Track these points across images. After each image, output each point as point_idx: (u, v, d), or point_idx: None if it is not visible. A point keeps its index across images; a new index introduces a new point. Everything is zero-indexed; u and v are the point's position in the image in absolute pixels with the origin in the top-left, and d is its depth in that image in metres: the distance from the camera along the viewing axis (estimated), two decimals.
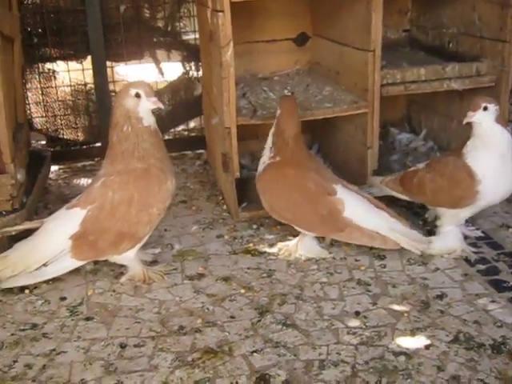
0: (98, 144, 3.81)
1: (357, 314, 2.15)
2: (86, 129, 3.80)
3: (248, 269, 2.48)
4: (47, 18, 3.52)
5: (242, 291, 2.31)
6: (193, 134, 4.01)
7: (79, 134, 3.80)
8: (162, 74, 3.84)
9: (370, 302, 2.22)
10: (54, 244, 2.25)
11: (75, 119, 3.76)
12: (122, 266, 2.47)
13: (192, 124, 4.07)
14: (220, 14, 2.59)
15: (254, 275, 2.43)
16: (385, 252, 2.54)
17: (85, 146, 3.81)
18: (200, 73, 3.81)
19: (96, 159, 3.78)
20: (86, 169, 3.74)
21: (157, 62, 3.80)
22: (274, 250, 2.63)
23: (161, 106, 2.27)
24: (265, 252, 2.61)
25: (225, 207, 3.07)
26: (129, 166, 2.26)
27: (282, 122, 2.54)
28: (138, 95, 2.22)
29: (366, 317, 2.13)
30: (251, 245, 2.67)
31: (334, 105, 2.90)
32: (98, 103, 3.70)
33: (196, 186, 3.37)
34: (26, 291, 2.35)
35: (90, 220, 2.24)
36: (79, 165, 3.79)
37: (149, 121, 2.27)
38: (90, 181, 3.38)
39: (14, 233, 2.36)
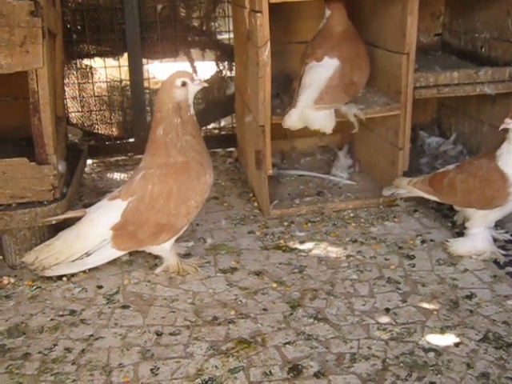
0: (131, 139, 3.89)
1: (387, 310, 2.18)
2: (120, 124, 3.88)
3: (279, 264, 2.53)
4: (86, 16, 3.60)
5: (274, 285, 2.36)
6: (223, 133, 4.06)
7: (113, 130, 3.88)
8: (195, 72, 3.89)
9: (399, 299, 2.25)
10: (96, 234, 2.32)
11: (110, 115, 3.84)
12: (156, 257, 2.53)
13: (223, 122, 4.12)
14: (258, 14, 2.65)
15: (285, 270, 2.48)
16: (414, 252, 2.58)
17: (118, 141, 3.89)
18: (233, 72, 3.87)
19: (129, 154, 3.87)
20: (119, 163, 3.82)
21: (191, 60, 3.87)
22: (304, 246, 2.67)
23: (205, 84, 2.39)
24: (296, 248, 2.66)
25: (256, 204, 3.12)
26: (169, 159, 2.32)
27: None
28: (184, 84, 2.28)
29: (395, 314, 2.17)
30: (282, 241, 2.72)
31: (366, 106, 2.94)
32: (133, 99, 3.78)
33: (227, 183, 3.43)
34: (64, 279, 2.42)
35: (130, 211, 2.31)
36: (112, 159, 3.87)
37: (192, 109, 2.35)
38: (122, 175, 3.51)
39: (54, 222, 2.43)
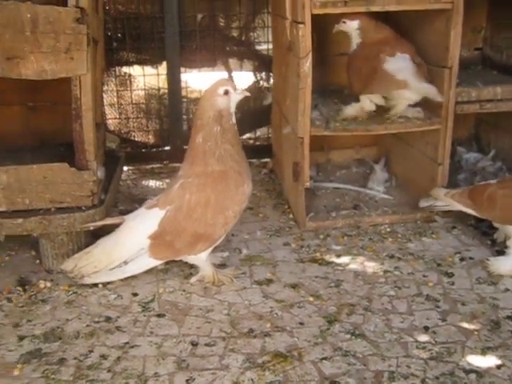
0: (167, 147, 3.91)
1: (426, 329, 2.14)
2: (157, 132, 3.89)
3: (315, 277, 2.50)
4: (127, 24, 3.63)
5: (310, 299, 2.33)
6: (259, 143, 4.05)
7: (150, 137, 3.90)
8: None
9: (439, 317, 2.21)
10: (134, 242, 2.33)
11: (147, 122, 3.86)
12: (191, 266, 2.52)
13: (258, 132, 4.11)
14: (301, 25, 2.64)
15: (321, 284, 2.45)
16: (453, 269, 2.53)
17: (154, 149, 3.91)
18: (270, 83, 3.86)
19: (164, 162, 3.88)
20: (155, 171, 3.83)
21: (229, 70, 3.87)
22: (341, 260, 2.64)
23: (248, 94, 2.38)
24: (332, 262, 2.63)
25: (291, 216, 3.10)
26: (207, 167, 2.31)
27: None
28: (226, 92, 2.28)
29: (435, 332, 2.12)
30: (318, 254, 2.69)
31: (406, 120, 2.90)
32: (170, 108, 3.79)
33: (262, 193, 3.41)
34: (100, 285, 2.42)
35: (167, 220, 2.31)
36: (148, 167, 3.88)
37: (234, 118, 2.35)
38: (157, 183, 3.51)
39: (92, 228, 2.44)
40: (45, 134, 3.12)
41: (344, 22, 2.89)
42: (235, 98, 2.34)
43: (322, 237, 2.87)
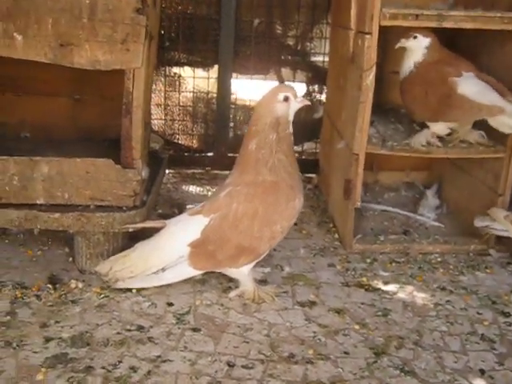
0: (211, 153, 3.78)
1: (482, 372, 1.97)
2: (202, 137, 3.77)
3: (362, 304, 2.34)
4: (181, 23, 3.52)
5: (356, 327, 2.17)
6: (304, 157, 3.90)
7: (194, 141, 3.78)
8: None
9: (495, 361, 2.03)
10: (173, 248, 2.20)
11: (192, 126, 3.74)
12: (230, 280, 2.39)
13: (305, 146, 3.96)
14: (367, 36, 2.50)
15: (368, 312, 2.28)
16: (510, 309, 2.35)
17: (197, 154, 3.78)
18: (323, 96, 3.72)
19: (207, 168, 3.75)
20: (196, 176, 3.71)
21: (281, 80, 3.74)
22: (388, 288, 2.48)
23: (308, 102, 2.26)
24: (379, 289, 2.47)
25: (336, 236, 2.94)
26: (258, 177, 2.18)
27: None
28: (286, 99, 2.15)
29: (492, 377, 1.95)
30: (364, 279, 2.53)
31: (469, 145, 2.73)
32: (218, 113, 3.67)
33: (306, 209, 3.26)
34: (133, 291, 2.30)
35: (211, 229, 2.17)
36: (189, 171, 3.76)
37: (291, 127, 2.21)
38: (198, 189, 3.39)
39: (131, 229, 2.32)
40: (90, 128, 3.02)
41: (415, 37, 2.69)
42: (295, 105, 2.21)
43: (368, 261, 2.71)
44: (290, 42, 3.70)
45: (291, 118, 2.23)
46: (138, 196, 2.31)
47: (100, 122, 3.00)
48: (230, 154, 3.71)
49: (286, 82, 3.72)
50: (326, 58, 3.64)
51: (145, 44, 2.17)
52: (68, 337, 2.00)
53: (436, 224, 3.11)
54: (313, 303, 2.32)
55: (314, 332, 2.13)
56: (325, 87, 3.68)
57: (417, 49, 2.75)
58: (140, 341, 2.01)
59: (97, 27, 2.11)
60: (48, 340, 1.98)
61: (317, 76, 3.74)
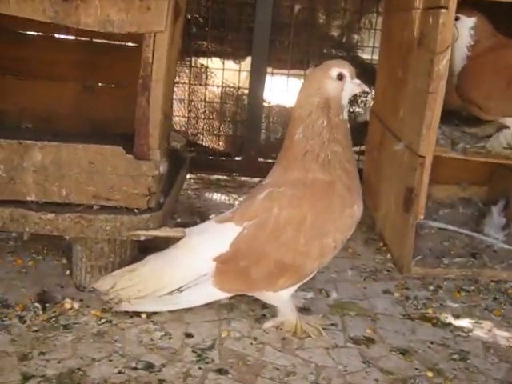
0: (239, 158, 3.31)
1: None
2: (229, 138, 3.31)
3: (431, 343, 1.84)
4: (211, 8, 3.08)
5: (429, 374, 1.68)
6: None
7: (220, 143, 3.32)
8: None
9: None
10: (195, 264, 1.73)
11: (219, 125, 3.29)
12: (264, 305, 1.90)
13: None
14: (442, 11, 2.03)
15: (440, 354, 1.79)
16: None
17: (223, 158, 3.32)
18: (367, 97, 3.24)
19: (233, 174, 3.29)
20: (220, 183, 3.24)
21: None
22: (461, 323, 1.98)
23: (367, 88, 1.77)
24: (449, 324, 1.97)
25: (389, 256, 2.46)
26: (307, 175, 1.70)
27: None
28: (341, 76, 1.69)
29: None
30: (430, 311, 2.04)
31: None
32: (249, 112, 3.21)
33: None
34: (143, 315, 1.82)
35: (244, 240, 1.69)
36: (213, 177, 3.30)
37: (346, 113, 1.74)
38: (223, 197, 2.93)
39: (143, 238, 1.84)
40: (100, 120, 2.60)
41: (457, 19, 2.19)
42: (350, 87, 1.74)
43: (431, 288, 2.22)
44: (335, 32, 3.26)
45: (345, 102, 1.75)
46: (154, 196, 1.84)
47: (113, 113, 2.60)
48: (260, 159, 3.27)
49: None
50: (375, 54, 3.17)
51: (170, 2, 1.70)
52: (53, 375, 1.52)
53: (506, 247, 2.61)
54: (370, 340, 1.82)
55: (376, 380, 1.63)
56: (372, 88, 3.20)
57: (462, 32, 2.26)
58: None
59: None
60: (27, 378, 1.50)
61: (363, 74, 3.24)
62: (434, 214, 2.95)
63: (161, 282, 1.72)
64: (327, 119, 1.70)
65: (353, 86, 1.74)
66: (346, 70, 1.72)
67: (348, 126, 1.77)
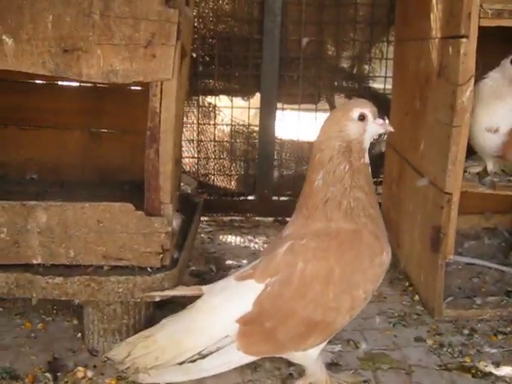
0: (252, 197, 3.20)
1: None
2: (241, 178, 3.20)
3: None
4: (217, 45, 3.00)
5: None
6: None
7: (232, 183, 3.21)
8: None
9: None
10: (217, 327, 1.60)
11: (230, 165, 3.18)
12: (290, 363, 1.76)
13: None
14: (463, 40, 1.92)
15: None
16: None
17: (236, 198, 3.20)
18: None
19: (248, 215, 3.17)
20: (234, 224, 3.12)
21: (333, 109, 3.16)
22: (503, 372, 1.84)
23: (391, 128, 1.66)
24: (490, 374, 1.84)
25: (416, 297, 2.32)
26: (330, 224, 1.58)
27: None
28: (362, 117, 1.57)
29: None
30: (467, 359, 1.91)
31: None
32: (260, 149, 3.11)
33: None
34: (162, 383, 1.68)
35: (268, 298, 1.57)
36: (226, 219, 3.18)
37: (367, 156, 1.61)
38: (238, 239, 2.82)
39: (158, 299, 1.72)
40: (108, 168, 2.51)
41: None
42: (373, 128, 1.63)
43: (466, 332, 2.09)
44: (345, 64, 3.15)
45: (367, 144, 1.64)
46: (168, 253, 1.72)
47: (120, 160, 2.51)
48: (274, 198, 3.14)
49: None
50: (388, 83, 3.07)
51: (177, 47, 1.60)
52: None
53: None
54: None
55: None
56: (386, 118, 3.08)
57: None
58: None
59: (112, 25, 1.57)
60: None
61: (376, 104, 3.14)
62: (458, 248, 2.81)
63: (179, 348, 1.60)
64: (349, 164, 1.59)
65: (376, 126, 1.63)
66: (368, 110, 1.62)
67: (369, 170, 1.65)
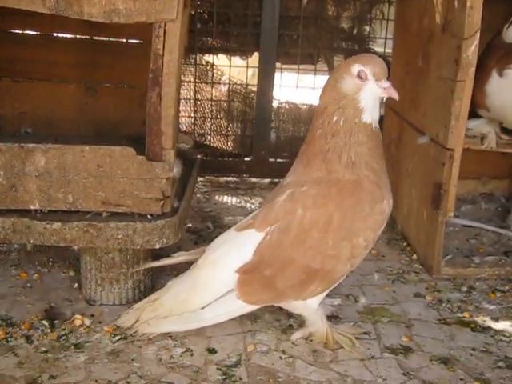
0: (248, 158, 3.16)
1: None
2: (238, 138, 3.17)
3: (473, 350, 1.70)
4: (216, 2, 2.94)
5: None
6: None
7: (229, 143, 3.17)
8: None
9: None
10: (219, 283, 1.58)
11: (227, 125, 3.14)
12: (290, 314, 1.75)
13: None
14: None
15: (484, 361, 1.65)
16: None
17: (232, 159, 3.16)
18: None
19: (243, 175, 3.14)
20: (230, 186, 3.09)
21: (331, 70, 3.12)
22: (501, 326, 1.84)
23: (395, 96, 1.55)
24: (489, 328, 1.84)
25: (415, 256, 2.31)
26: (330, 174, 1.55)
27: None
28: (361, 75, 1.52)
29: None
30: (466, 314, 1.90)
31: None
32: (258, 110, 3.07)
33: None
34: None
35: (268, 247, 1.55)
36: (222, 179, 3.15)
37: (372, 116, 1.57)
38: (233, 199, 2.79)
39: (158, 246, 1.70)
40: (104, 122, 2.46)
41: None
42: (374, 90, 1.54)
43: (464, 289, 2.09)
44: (345, 24, 3.10)
45: (366, 104, 1.55)
46: (168, 200, 1.69)
47: (117, 115, 2.46)
48: (271, 159, 3.12)
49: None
50: (388, 47, 3.04)
51: None
52: None
53: None
54: (407, 349, 1.68)
55: None
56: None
57: None
58: None
59: None
60: None
61: None
62: (456, 211, 2.80)
63: (187, 307, 1.58)
64: (344, 118, 1.54)
65: (376, 88, 1.54)
66: (371, 69, 1.53)
67: (374, 127, 1.59)
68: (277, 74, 3.06)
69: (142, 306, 1.65)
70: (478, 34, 1.92)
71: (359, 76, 1.53)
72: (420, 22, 2.40)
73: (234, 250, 1.61)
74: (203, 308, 1.58)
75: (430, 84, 2.25)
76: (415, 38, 2.47)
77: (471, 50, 1.93)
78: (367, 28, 3.08)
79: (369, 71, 1.53)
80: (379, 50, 3.14)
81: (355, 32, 3.09)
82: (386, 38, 3.07)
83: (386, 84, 1.54)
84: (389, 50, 3.04)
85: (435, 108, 2.16)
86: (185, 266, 1.71)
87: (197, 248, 1.79)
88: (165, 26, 1.58)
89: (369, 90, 1.54)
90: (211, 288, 1.58)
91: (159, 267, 1.80)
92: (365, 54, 1.64)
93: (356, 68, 1.54)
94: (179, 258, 1.74)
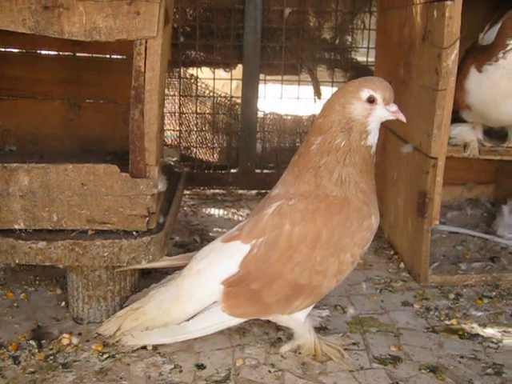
0: (234, 170, 3.17)
1: None
2: (224, 150, 3.17)
3: (461, 358, 1.71)
4: (199, 16, 2.95)
5: None
6: None
7: (214, 156, 3.17)
8: (319, 96, 3.16)
9: None
10: (205, 291, 1.58)
11: (213, 137, 3.14)
12: (279, 327, 1.76)
13: None
14: (448, 3, 1.91)
15: (473, 369, 1.66)
16: None
17: (219, 171, 3.17)
18: None
19: (230, 188, 3.14)
20: (217, 198, 3.10)
21: (315, 81, 3.15)
22: (488, 333, 1.85)
23: (403, 119, 1.58)
24: (477, 335, 1.85)
25: (402, 265, 2.32)
26: (319, 189, 1.56)
27: None
28: (372, 100, 1.53)
29: None
30: (454, 322, 1.92)
31: None
32: (243, 121, 3.08)
33: None
34: (149, 347, 1.67)
35: (255, 260, 1.55)
36: (209, 192, 3.16)
37: (374, 139, 1.58)
38: (220, 212, 2.79)
39: (145, 264, 1.69)
40: (88, 138, 2.45)
41: None
42: (382, 113, 1.56)
43: (451, 296, 2.10)
44: (327, 35, 3.12)
45: (373, 127, 1.57)
46: (153, 216, 1.69)
47: (101, 131, 2.45)
48: (257, 171, 3.13)
49: (322, 84, 3.14)
50: (370, 56, 3.06)
51: (161, 5, 1.57)
52: None
53: None
54: (396, 359, 1.69)
55: None
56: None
57: None
58: None
59: None
60: None
61: (359, 76, 3.13)
62: (441, 218, 2.80)
63: (169, 316, 1.58)
64: (347, 141, 1.55)
65: (385, 112, 1.56)
66: (380, 93, 1.55)
67: (371, 152, 1.59)
68: (261, 86, 3.07)
69: (124, 313, 1.64)
70: (458, 43, 1.95)
71: (369, 101, 1.54)
72: (401, 32, 2.42)
73: (219, 262, 1.61)
74: (188, 320, 1.57)
75: (411, 93, 2.27)
76: (396, 48, 2.49)
77: (451, 59, 1.95)
78: (349, 38, 3.10)
79: (379, 96, 1.54)
80: (362, 59, 3.17)
81: (337, 42, 3.10)
82: (368, 48, 3.09)
83: (394, 108, 1.57)
84: (371, 59, 3.07)
85: (418, 117, 2.18)
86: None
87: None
88: (146, 42, 1.58)
89: (378, 114, 1.56)
90: (195, 298, 1.58)
91: (146, 283, 1.80)
92: (370, 77, 1.63)
93: (366, 93, 1.54)
94: (163, 262, 1.73)
